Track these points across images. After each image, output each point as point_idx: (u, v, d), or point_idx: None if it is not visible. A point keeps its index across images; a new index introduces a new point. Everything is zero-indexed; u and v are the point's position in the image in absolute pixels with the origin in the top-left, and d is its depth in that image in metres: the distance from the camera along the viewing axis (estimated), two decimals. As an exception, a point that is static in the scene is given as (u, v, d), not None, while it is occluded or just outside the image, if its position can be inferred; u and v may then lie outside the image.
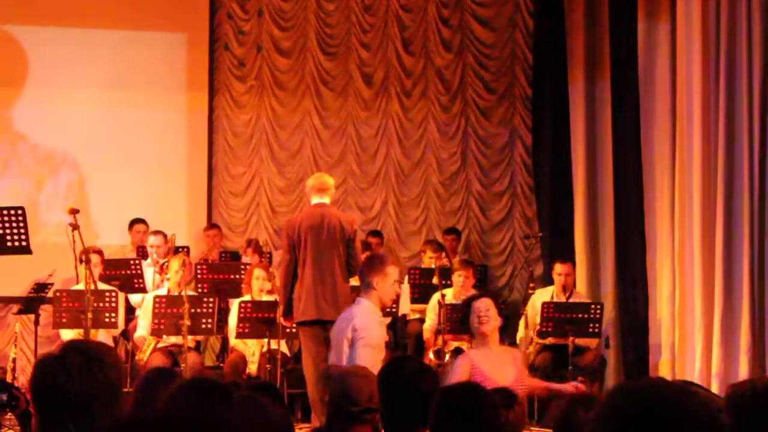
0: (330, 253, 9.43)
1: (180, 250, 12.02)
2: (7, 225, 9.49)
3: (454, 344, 11.03)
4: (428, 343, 11.48)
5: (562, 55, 13.47)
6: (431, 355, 11.17)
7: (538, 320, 11.20)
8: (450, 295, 11.27)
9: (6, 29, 13.37)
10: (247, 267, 11.47)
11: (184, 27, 13.87)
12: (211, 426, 2.95)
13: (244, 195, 14.04)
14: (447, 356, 10.90)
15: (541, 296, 11.65)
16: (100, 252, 11.25)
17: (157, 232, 12.27)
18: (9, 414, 8.88)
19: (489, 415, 4.29)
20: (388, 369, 5.19)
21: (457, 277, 11.50)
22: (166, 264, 11.29)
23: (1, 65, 13.32)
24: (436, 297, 11.30)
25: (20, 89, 13.45)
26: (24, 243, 9.59)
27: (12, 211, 9.55)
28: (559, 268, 11.74)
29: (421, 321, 11.87)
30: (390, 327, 11.78)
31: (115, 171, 13.61)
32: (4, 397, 5.56)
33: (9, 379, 10.60)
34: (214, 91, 13.97)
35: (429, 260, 12.46)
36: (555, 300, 11.48)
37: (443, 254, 12.59)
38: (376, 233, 13.51)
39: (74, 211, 9.88)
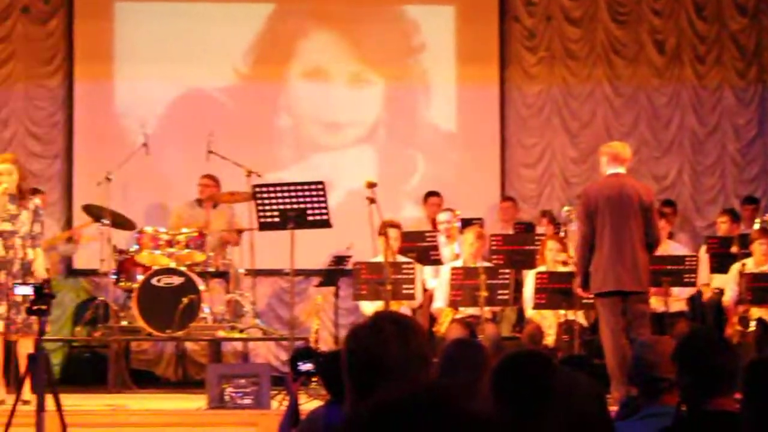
0: (628, 223, 9.30)
1: (474, 222, 12.10)
2: (308, 199, 9.78)
3: (757, 313, 10.73)
4: (730, 312, 11.20)
5: None
6: (736, 324, 10.88)
7: None
8: (751, 264, 10.97)
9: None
10: (542, 238, 11.46)
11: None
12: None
13: (537, 166, 14.02)
14: (752, 324, 10.64)
15: None
16: (398, 225, 11.40)
17: (446, 210, 12.39)
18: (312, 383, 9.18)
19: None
20: (685, 341, 5.10)
21: (759, 246, 11.15)
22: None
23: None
24: (736, 267, 11.02)
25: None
26: (324, 217, 9.88)
27: (313, 186, 9.84)
28: None
29: (718, 292, 11.60)
30: (691, 299, 11.63)
31: (409, 144, 13.84)
32: (311, 366, 5.75)
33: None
34: (505, 63, 14.00)
35: (725, 229, 12.19)
36: None
37: (740, 224, 12.30)
38: (670, 203, 13.26)
39: (372, 185, 10.05)
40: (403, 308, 10.61)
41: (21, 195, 9.73)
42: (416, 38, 13.88)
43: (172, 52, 13.59)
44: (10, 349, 9.88)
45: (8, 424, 7.19)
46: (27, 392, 9.34)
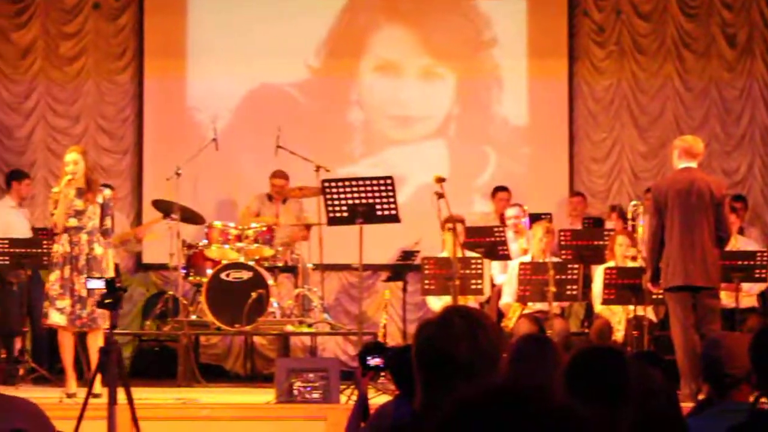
0: (699, 218, 9.22)
1: (543, 217, 12.05)
2: (377, 194, 9.79)
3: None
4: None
5: None
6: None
7: None
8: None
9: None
10: (611, 233, 11.40)
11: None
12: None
13: (606, 161, 13.93)
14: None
15: None
16: (461, 220, 11.39)
17: (514, 205, 12.36)
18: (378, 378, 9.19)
19: None
20: (760, 336, 5.04)
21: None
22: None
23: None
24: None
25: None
26: (393, 212, 9.87)
27: (381, 181, 9.85)
28: None
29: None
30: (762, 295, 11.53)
31: (480, 139, 13.82)
32: (380, 360, 5.75)
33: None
34: (573, 58, 13.93)
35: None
36: None
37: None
38: (740, 198, 13.11)
39: (440, 180, 10.04)
40: (470, 303, 10.59)
41: (89, 188, 9.79)
42: (488, 32, 13.86)
43: (245, 47, 13.65)
44: (80, 343, 9.97)
45: (80, 417, 7.26)
46: (98, 385, 9.45)
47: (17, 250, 10.65)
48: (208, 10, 13.80)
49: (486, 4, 13.92)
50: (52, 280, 9.71)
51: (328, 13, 13.86)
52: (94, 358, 9.61)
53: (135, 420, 7.19)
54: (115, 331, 7.59)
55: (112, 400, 6.99)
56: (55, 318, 9.68)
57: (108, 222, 9.83)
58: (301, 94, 13.83)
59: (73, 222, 9.71)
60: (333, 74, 13.89)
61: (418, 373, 3.51)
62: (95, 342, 9.63)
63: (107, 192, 9.98)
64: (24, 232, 11.72)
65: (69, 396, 9.48)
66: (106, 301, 7.29)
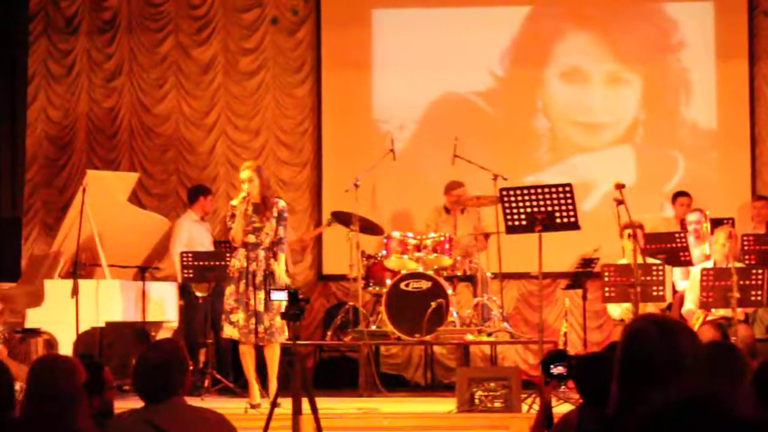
0: None
1: (725, 222, 11.82)
2: (555, 202, 9.72)
3: None
4: None
5: None
6: None
7: None
8: None
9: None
10: (796, 237, 11.12)
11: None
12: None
13: (788, 163, 13.61)
14: None
15: None
16: (641, 226, 11.24)
17: (695, 210, 12.15)
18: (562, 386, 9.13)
19: None
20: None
21: None
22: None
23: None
24: None
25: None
26: (572, 219, 9.78)
27: (560, 188, 9.77)
28: None
29: None
30: None
31: (668, 144, 13.63)
32: (563, 369, 5.70)
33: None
34: (754, 59, 13.62)
35: None
36: None
37: None
38: None
39: (620, 186, 9.94)
40: (649, 309, 10.44)
41: (265, 206, 9.95)
42: (675, 36, 13.66)
43: (428, 57, 13.73)
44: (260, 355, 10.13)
45: (266, 427, 7.38)
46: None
47: (201, 263, 10.88)
48: (391, 22, 13.92)
49: (672, 6, 13.71)
50: (227, 294, 9.92)
51: (511, 21, 13.86)
52: (272, 370, 9.80)
53: (319, 429, 7.28)
54: (297, 342, 7.69)
55: (297, 410, 7.10)
56: (228, 331, 9.88)
57: (281, 232, 9.97)
58: (486, 103, 13.83)
59: (251, 238, 9.88)
60: (517, 82, 13.86)
61: (617, 379, 3.49)
62: (272, 355, 9.82)
63: (281, 203, 10.10)
64: (206, 245, 11.99)
65: (253, 407, 9.64)
66: (290, 312, 7.39)
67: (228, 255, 10.41)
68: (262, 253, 9.84)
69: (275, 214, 9.91)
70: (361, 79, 13.98)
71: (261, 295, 9.72)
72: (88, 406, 4.67)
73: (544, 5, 13.90)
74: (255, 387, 9.91)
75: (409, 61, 13.77)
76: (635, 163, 13.61)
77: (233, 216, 9.89)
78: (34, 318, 10.67)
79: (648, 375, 3.38)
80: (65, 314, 10.39)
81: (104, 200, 11.32)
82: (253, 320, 9.72)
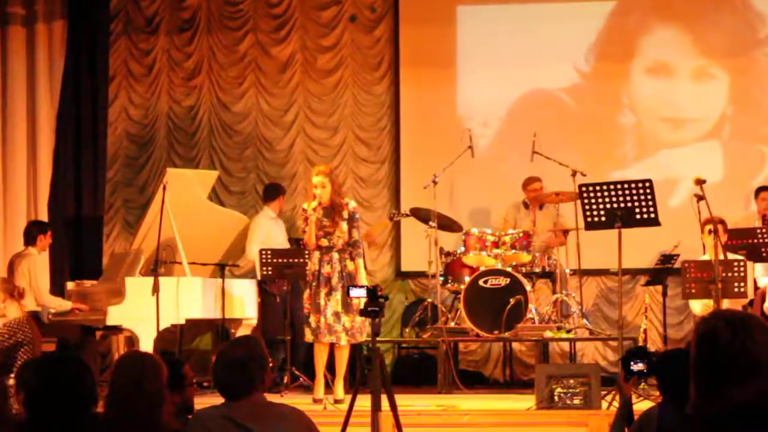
0: None
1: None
2: (635, 198, 9.66)
3: None
4: None
5: None
6: None
7: None
8: None
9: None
10: None
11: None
12: None
13: None
14: None
15: None
16: (722, 222, 11.12)
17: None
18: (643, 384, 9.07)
19: None
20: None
21: None
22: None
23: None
24: None
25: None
26: (652, 215, 9.72)
27: (640, 184, 9.71)
28: None
29: None
30: None
31: (756, 139, 13.44)
32: (643, 366, 5.66)
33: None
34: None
35: None
36: None
37: None
38: None
39: (700, 182, 9.85)
40: (724, 306, 10.34)
41: (335, 210, 9.99)
42: (762, 30, 13.47)
43: (513, 53, 13.70)
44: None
45: (345, 424, 7.41)
46: (340, 392, 9.75)
47: (280, 261, 10.91)
48: (476, 18, 13.87)
49: (761, 1, 13.51)
50: (304, 297, 10.08)
51: (596, 16, 13.75)
52: (339, 371, 9.95)
53: (398, 426, 7.29)
54: (377, 338, 7.70)
55: (376, 407, 7.11)
56: (308, 335, 10.05)
57: (355, 234, 10.02)
58: (571, 99, 13.75)
59: (324, 242, 9.96)
60: (603, 77, 13.75)
61: (695, 376, 3.45)
62: (342, 356, 9.96)
63: (352, 204, 10.13)
64: (282, 242, 12.06)
65: (315, 401, 9.73)
66: (369, 309, 7.41)
67: (306, 252, 10.45)
68: (336, 255, 9.92)
69: (345, 216, 9.96)
70: (444, 76, 13.94)
71: (338, 295, 9.78)
72: (170, 403, 4.71)
73: (630, 0, 13.80)
74: (321, 382, 9.99)
75: (493, 57, 13.72)
76: (722, 159, 13.45)
77: (306, 219, 9.95)
78: (115, 315, 10.77)
79: (723, 373, 3.34)
80: (146, 311, 10.48)
81: (184, 198, 11.40)
82: (323, 319, 9.79)
